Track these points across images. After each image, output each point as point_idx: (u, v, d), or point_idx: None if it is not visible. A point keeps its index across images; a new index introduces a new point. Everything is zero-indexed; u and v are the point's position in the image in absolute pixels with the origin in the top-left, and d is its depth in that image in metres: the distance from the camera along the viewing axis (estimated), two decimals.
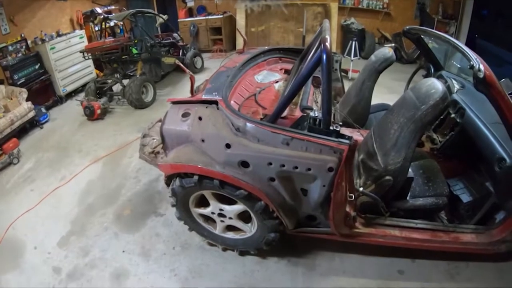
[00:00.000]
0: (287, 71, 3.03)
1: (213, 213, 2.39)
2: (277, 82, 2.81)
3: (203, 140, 2.07)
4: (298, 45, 7.12)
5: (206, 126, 2.07)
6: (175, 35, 6.80)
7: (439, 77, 2.77)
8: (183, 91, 5.83)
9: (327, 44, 1.79)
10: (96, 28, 6.66)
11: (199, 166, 2.04)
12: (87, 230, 2.94)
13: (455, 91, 2.62)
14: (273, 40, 7.78)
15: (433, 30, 2.54)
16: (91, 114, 4.82)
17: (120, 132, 4.54)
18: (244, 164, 1.99)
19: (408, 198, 2.33)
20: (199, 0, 8.82)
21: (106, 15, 6.01)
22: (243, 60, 2.82)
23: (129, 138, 4.34)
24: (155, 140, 2.73)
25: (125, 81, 5.29)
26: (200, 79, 6.36)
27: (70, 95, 5.99)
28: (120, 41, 5.29)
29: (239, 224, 2.40)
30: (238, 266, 2.51)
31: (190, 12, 9.04)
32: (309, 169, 1.92)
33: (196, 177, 2.12)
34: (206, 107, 2.17)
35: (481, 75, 1.70)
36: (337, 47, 7.20)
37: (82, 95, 5.63)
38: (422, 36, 2.67)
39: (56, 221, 3.06)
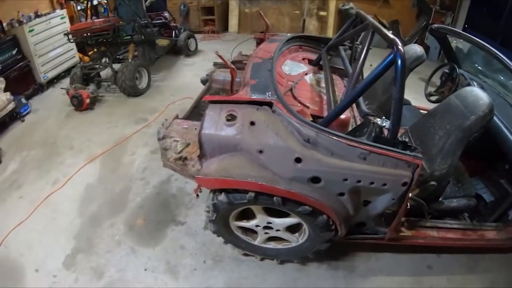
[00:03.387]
0: (310, 61, 2.52)
1: (257, 226, 1.90)
2: (306, 74, 2.29)
3: (261, 151, 1.53)
4: (296, 28, 6.57)
5: (265, 134, 1.52)
6: (166, 14, 5.62)
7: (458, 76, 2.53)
8: (179, 76, 4.92)
9: (401, 48, 1.40)
10: (78, 8, 5.33)
11: (260, 183, 1.52)
12: (96, 245, 2.22)
13: None
14: (268, 22, 6.98)
15: (468, 34, 2.24)
16: (79, 104, 3.78)
17: (115, 124, 3.60)
18: (315, 179, 1.52)
19: (441, 199, 2.12)
20: None
21: None
22: (277, 50, 2.25)
23: (126, 131, 3.45)
24: (178, 142, 2.10)
25: (116, 66, 4.25)
26: (194, 62, 5.52)
27: (52, 82, 4.71)
28: (111, 22, 4.19)
29: (286, 235, 1.93)
30: (279, 276, 2.05)
31: None
32: (385, 184, 1.53)
33: (252, 194, 1.59)
34: (257, 109, 1.62)
35: None
36: (333, 32, 6.44)
37: (66, 82, 4.48)
38: (448, 35, 2.37)
39: (56, 235, 2.29)
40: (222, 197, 1.69)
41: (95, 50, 4.55)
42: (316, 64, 2.47)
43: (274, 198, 1.58)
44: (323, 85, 2.26)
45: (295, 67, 2.36)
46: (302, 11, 6.51)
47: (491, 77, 2.40)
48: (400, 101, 1.50)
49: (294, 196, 1.53)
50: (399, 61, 1.41)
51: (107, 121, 3.68)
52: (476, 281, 2.16)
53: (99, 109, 3.99)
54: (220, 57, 1.91)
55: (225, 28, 7.24)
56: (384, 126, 1.58)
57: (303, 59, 2.53)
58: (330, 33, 6.36)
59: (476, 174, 2.40)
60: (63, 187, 2.73)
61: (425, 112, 2.77)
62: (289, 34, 2.60)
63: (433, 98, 2.59)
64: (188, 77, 4.86)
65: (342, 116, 1.79)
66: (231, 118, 1.61)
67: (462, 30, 5.45)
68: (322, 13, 6.52)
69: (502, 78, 2.41)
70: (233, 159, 1.61)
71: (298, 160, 1.47)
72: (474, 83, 2.39)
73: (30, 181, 2.84)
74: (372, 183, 1.52)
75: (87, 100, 3.78)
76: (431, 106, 2.88)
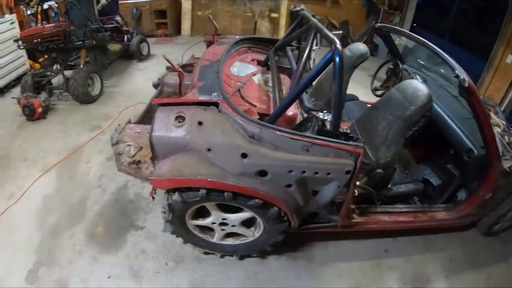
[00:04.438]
0: (259, 62, 2.60)
1: (213, 223, 1.94)
2: (254, 74, 2.37)
3: (209, 149, 1.58)
4: (248, 30, 6.59)
5: (212, 133, 1.58)
6: (118, 18, 5.48)
7: (401, 71, 2.71)
8: (131, 81, 4.82)
9: (339, 46, 1.51)
10: (28, 12, 5.03)
11: (210, 179, 1.56)
12: (58, 257, 2.15)
13: None
14: (220, 24, 6.57)
15: (409, 32, 2.41)
16: (31, 114, 3.59)
17: (69, 133, 3.48)
18: (262, 173, 1.58)
19: (389, 186, 2.28)
20: None
21: None
22: (224, 52, 2.30)
23: (80, 139, 3.35)
24: (131, 146, 2.09)
25: (67, 73, 4.08)
26: (147, 66, 5.44)
27: (2, 91, 4.42)
28: (62, 27, 4.01)
29: (242, 230, 1.98)
30: (241, 271, 2.10)
31: None
32: (329, 173, 1.63)
33: (203, 191, 1.63)
34: (204, 110, 1.66)
35: (465, 84, 1.72)
36: (285, 33, 6.54)
37: (16, 91, 4.21)
38: (391, 34, 2.54)
39: (15, 251, 2.19)
40: (176, 196, 1.72)
41: (46, 56, 4.35)
42: (264, 65, 2.55)
43: (225, 193, 1.63)
44: (269, 84, 2.34)
45: (243, 68, 2.43)
46: (254, 13, 6.59)
47: (434, 71, 2.60)
48: (340, 95, 1.61)
49: (244, 190, 1.59)
50: (337, 58, 1.52)
51: (61, 130, 3.55)
52: (435, 260, 2.32)
53: (52, 118, 3.82)
54: (168, 60, 1.93)
55: (177, 31, 7.17)
56: (326, 119, 1.68)
57: (252, 60, 2.61)
58: (282, 34, 6.42)
59: (423, 160, 2.58)
60: (19, 201, 2.60)
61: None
62: (237, 37, 2.66)
63: (379, 92, 2.76)
64: (140, 82, 4.79)
65: (290, 113, 1.88)
66: (180, 119, 1.64)
67: (411, 29, 5.80)
68: (274, 15, 6.63)
69: (443, 71, 2.61)
70: (184, 158, 1.64)
71: (244, 155, 1.53)
72: (417, 76, 2.57)
73: None
74: (317, 173, 1.61)
75: (39, 109, 3.61)
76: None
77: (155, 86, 2.85)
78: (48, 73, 4.12)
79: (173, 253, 2.19)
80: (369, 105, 2.84)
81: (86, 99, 4.02)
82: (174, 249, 2.21)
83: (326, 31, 1.76)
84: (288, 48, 2.52)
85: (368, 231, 2.31)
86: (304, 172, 1.59)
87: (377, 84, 2.82)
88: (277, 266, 2.17)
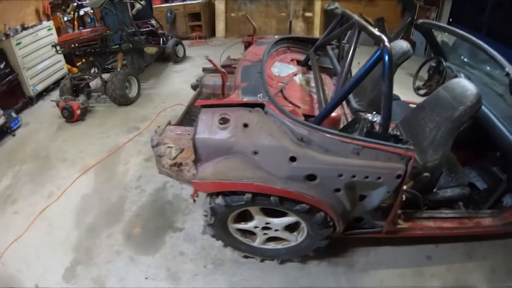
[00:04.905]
0: (298, 62, 2.55)
1: (256, 227, 1.91)
2: (295, 75, 2.33)
3: (255, 152, 1.55)
4: (282, 30, 6.56)
5: (258, 135, 1.54)
6: (152, 22, 5.61)
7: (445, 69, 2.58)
8: (168, 83, 4.90)
9: (387, 44, 1.45)
10: (65, 19, 5.27)
11: (256, 183, 1.53)
12: (95, 257, 2.21)
13: None
14: (255, 25, 6.93)
15: (452, 28, 2.29)
16: (70, 116, 3.73)
17: (107, 134, 3.57)
18: (311, 177, 1.54)
19: (435, 190, 2.17)
20: None
21: (80, 2, 4.64)
22: (265, 52, 2.27)
23: (118, 140, 3.42)
24: (172, 148, 2.11)
25: (105, 76, 4.23)
26: (183, 68, 5.52)
27: (41, 94, 4.66)
28: (98, 31, 4.16)
29: (285, 235, 1.94)
30: (280, 276, 2.06)
31: None
32: (379, 178, 1.56)
33: (249, 195, 1.60)
34: (250, 111, 1.63)
35: None
36: (320, 32, 6.41)
37: (55, 94, 4.41)
38: (433, 30, 2.42)
39: (53, 249, 2.27)
40: (219, 200, 1.70)
41: (84, 60, 4.52)
42: (304, 65, 2.50)
43: (272, 198, 1.59)
44: (312, 84, 2.29)
45: (284, 69, 2.39)
46: (288, 13, 6.53)
47: (477, 68, 2.45)
48: (389, 95, 1.54)
49: (291, 195, 1.55)
50: (386, 57, 1.45)
51: (99, 132, 3.64)
52: (476, 268, 2.19)
53: (90, 119, 3.95)
54: (210, 61, 1.93)
55: (212, 33, 7.24)
56: (375, 121, 1.62)
57: (292, 60, 2.56)
58: (316, 33, 6.41)
59: (468, 163, 2.44)
60: (58, 200, 2.71)
61: (414, 106, 2.83)
62: (276, 36, 2.63)
63: (422, 91, 2.64)
64: (177, 83, 4.86)
65: (334, 114, 1.81)
66: (224, 121, 1.62)
67: (447, 24, 5.55)
68: (307, 14, 6.57)
69: (488, 68, 2.46)
70: (228, 161, 1.63)
71: (292, 159, 1.49)
72: (461, 74, 2.44)
73: (24, 195, 2.80)
74: (367, 177, 1.55)
75: (78, 111, 3.75)
76: (420, 100, 2.95)
77: (194, 87, 2.87)
78: (86, 76, 4.28)
79: (212, 256, 2.18)
80: (411, 105, 2.73)
81: (124, 101, 4.13)
82: (213, 252, 2.20)
83: (371, 28, 1.70)
84: (329, 47, 2.45)
85: (411, 237, 2.21)
86: (354, 176, 1.54)
87: (418, 83, 2.70)
88: (317, 272, 2.11)
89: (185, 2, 6.88)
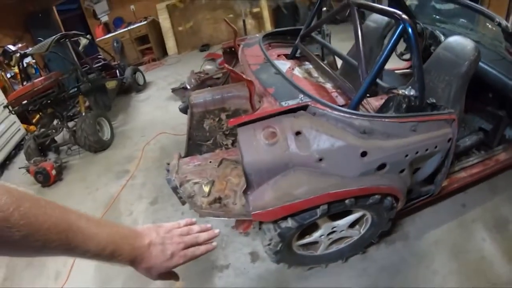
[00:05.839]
0: (286, 56, 2.46)
1: (321, 235, 1.81)
2: (293, 69, 2.24)
3: (320, 159, 1.44)
4: (239, 32, 6.38)
5: (318, 140, 1.42)
6: (101, 56, 5.16)
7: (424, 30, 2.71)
8: (139, 114, 4.48)
9: (406, 17, 1.44)
10: (8, 75, 4.60)
11: (332, 191, 1.43)
12: None
13: (443, 39, 2.59)
14: (205, 34, 6.52)
15: None
16: (46, 179, 3.20)
17: (95, 187, 3.12)
18: (381, 166, 1.48)
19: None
20: (112, 13, 6.86)
21: (22, 51, 3.97)
22: (265, 51, 2.14)
23: (110, 191, 3.01)
24: (201, 184, 1.87)
25: (70, 124, 3.75)
26: (148, 95, 5.15)
27: (4, 164, 3.95)
28: (52, 77, 3.65)
29: (348, 232, 1.88)
30: (349, 273, 1.99)
31: (107, 28, 7.04)
32: (436, 147, 1.57)
33: (325, 207, 1.48)
34: (294, 117, 1.50)
35: (509, 29, 1.81)
36: (272, 26, 6.38)
37: (20, 160, 3.81)
38: None
39: None
40: (288, 223, 1.54)
41: (41, 114, 3.90)
42: (293, 57, 2.43)
43: (347, 201, 1.50)
44: (315, 75, 2.23)
45: (279, 65, 2.28)
46: (236, 13, 6.42)
47: (449, 22, 2.63)
48: (421, 67, 1.56)
49: (368, 190, 1.48)
50: (410, 30, 1.45)
51: (85, 187, 3.17)
52: (504, 201, 2.36)
53: (69, 177, 3.42)
54: (229, 69, 1.74)
55: (164, 52, 6.92)
56: (412, 94, 1.61)
57: (279, 55, 2.46)
58: (268, 26, 6.38)
59: (466, 111, 2.63)
60: (70, 278, 2.28)
61: (402, 71, 2.95)
62: (257, 35, 2.50)
63: (406, 56, 2.75)
64: (149, 112, 4.50)
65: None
66: (271, 135, 1.47)
67: None
68: (255, 9, 6.53)
69: (460, 20, 2.63)
70: (288, 179, 1.48)
71: (364, 154, 1.41)
72: (437, 31, 2.59)
73: (27, 283, 2.32)
74: (427, 149, 1.55)
75: (53, 172, 3.21)
76: (402, 64, 3.08)
77: (183, 110, 2.60)
78: (50, 131, 3.74)
79: (273, 280, 2.02)
80: (397, 71, 2.83)
81: (100, 146, 3.68)
82: (272, 276, 2.04)
83: (378, 5, 1.68)
84: (313, 34, 2.40)
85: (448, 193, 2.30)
86: (417, 152, 1.52)
87: (400, 49, 2.80)
88: (379, 255, 2.09)
89: (129, 28, 6.51)
